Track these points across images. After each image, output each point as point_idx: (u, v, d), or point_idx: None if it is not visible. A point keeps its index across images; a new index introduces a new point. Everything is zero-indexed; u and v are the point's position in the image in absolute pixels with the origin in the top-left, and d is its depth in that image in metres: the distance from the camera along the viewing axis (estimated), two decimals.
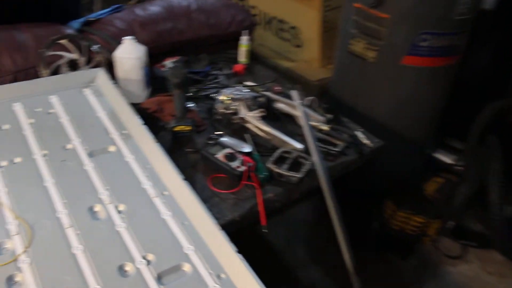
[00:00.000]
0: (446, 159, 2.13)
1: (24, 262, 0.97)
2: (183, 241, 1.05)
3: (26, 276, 0.94)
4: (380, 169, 2.01)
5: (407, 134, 1.93)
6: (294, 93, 1.33)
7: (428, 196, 1.95)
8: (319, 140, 1.44)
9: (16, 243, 1.01)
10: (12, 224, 1.05)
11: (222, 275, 0.98)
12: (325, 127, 1.46)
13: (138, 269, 0.98)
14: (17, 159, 1.24)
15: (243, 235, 1.16)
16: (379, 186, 2.04)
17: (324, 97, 2.21)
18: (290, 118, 1.55)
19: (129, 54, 1.51)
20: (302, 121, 1.31)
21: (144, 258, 1.00)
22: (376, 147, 1.51)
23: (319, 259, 1.98)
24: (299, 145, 1.38)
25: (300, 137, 1.45)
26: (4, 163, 1.22)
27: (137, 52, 1.52)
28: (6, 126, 1.35)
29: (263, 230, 1.18)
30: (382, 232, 1.93)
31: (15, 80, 1.58)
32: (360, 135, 1.53)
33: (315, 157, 1.30)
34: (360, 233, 1.96)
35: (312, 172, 1.32)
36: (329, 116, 1.55)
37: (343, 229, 1.32)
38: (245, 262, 0.97)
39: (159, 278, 0.96)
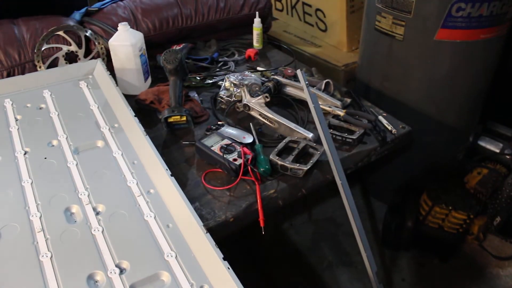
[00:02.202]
0: (491, 147, 1.88)
1: None
2: (164, 246, 0.91)
3: None
4: (414, 159, 1.81)
5: (444, 120, 1.71)
6: (299, 73, 1.16)
7: (470, 190, 1.71)
8: (333, 127, 1.27)
9: None
10: None
11: (205, 286, 0.84)
12: (341, 113, 1.29)
13: (110, 279, 0.85)
14: None
15: (266, 232, 1.01)
16: (413, 179, 1.83)
17: (351, 83, 2.04)
18: (304, 104, 1.38)
19: (123, 41, 1.39)
20: (310, 104, 1.14)
21: (117, 266, 0.87)
22: (402, 134, 1.32)
23: (346, 261, 1.80)
24: (308, 134, 1.21)
25: (313, 126, 1.28)
26: None
27: (132, 38, 1.40)
28: None
29: (262, 233, 1.02)
30: (418, 230, 1.72)
31: (11, 75, 1.51)
32: (383, 120, 1.34)
33: (326, 146, 1.12)
34: (393, 231, 1.77)
35: (323, 164, 1.16)
36: (347, 100, 1.38)
37: (361, 229, 1.14)
38: (231, 271, 0.82)
39: None
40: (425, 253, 1.82)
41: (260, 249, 1.84)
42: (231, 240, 0.96)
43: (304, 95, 1.32)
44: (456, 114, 1.73)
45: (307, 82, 1.24)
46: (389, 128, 1.32)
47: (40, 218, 0.98)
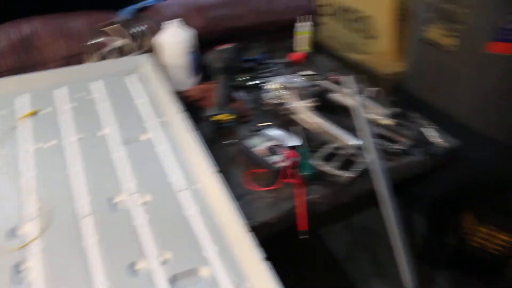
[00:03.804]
0: None
1: (34, 249, 0.90)
2: (205, 242, 0.92)
3: (33, 264, 0.87)
4: (458, 174, 1.76)
5: (491, 134, 1.65)
6: (348, 80, 1.15)
7: None
8: (379, 136, 1.25)
9: (30, 229, 0.94)
10: (30, 209, 0.99)
11: (244, 285, 0.84)
12: (387, 122, 1.27)
13: (149, 269, 0.86)
14: (51, 143, 1.19)
15: (303, 239, 1.01)
16: (457, 195, 1.78)
17: (397, 92, 2.00)
18: (349, 110, 1.37)
19: (174, 38, 1.41)
20: (356, 111, 1.13)
21: (159, 257, 0.88)
22: (450, 148, 1.29)
23: (382, 273, 1.77)
24: (353, 141, 1.19)
25: (357, 133, 1.27)
26: (37, 146, 1.17)
27: (183, 35, 1.42)
28: (47, 110, 1.31)
29: (301, 237, 1.01)
30: (459, 249, 1.67)
31: (66, 65, 1.56)
32: (431, 132, 1.31)
33: (371, 155, 1.11)
34: (433, 248, 1.72)
35: (367, 173, 1.14)
36: (395, 109, 1.35)
37: (402, 242, 1.12)
38: (272, 272, 0.82)
39: (171, 281, 0.84)
40: (465, 273, 1.76)
41: (295, 252, 1.83)
42: (268, 239, 0.96)
43: (351, 102, 1.31)
44: (504, 128, 1.68)
45: (355, 89, 1.24)
46: (437, 141, 1.29)
47: (87, 203, 1.00)
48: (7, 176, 1.08)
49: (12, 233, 0.94)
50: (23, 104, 1.34)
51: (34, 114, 1.29)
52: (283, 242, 1.74)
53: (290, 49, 1.80)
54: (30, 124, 1.26)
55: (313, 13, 1.87)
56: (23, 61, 1.53)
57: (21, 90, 1.39)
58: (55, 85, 1.41)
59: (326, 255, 1.86)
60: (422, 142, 1.28)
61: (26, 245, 0.91)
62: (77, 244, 0.91)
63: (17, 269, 0.87)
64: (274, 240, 0.97)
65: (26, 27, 1.56)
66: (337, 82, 1.45)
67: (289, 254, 1.79)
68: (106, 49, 1.58)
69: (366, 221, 2.00)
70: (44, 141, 1.19)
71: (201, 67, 1.60)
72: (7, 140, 1.20)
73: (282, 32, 1.89)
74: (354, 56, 2.22)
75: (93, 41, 1.56)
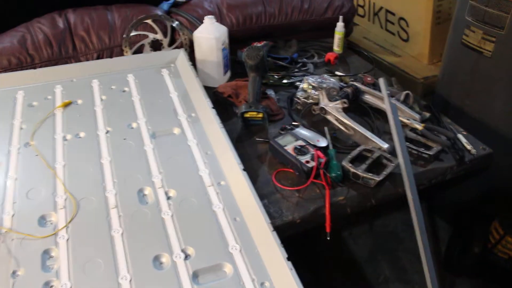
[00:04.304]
0: None
1: (62, 237, 0.92)
2: (230, 238, 0.92)
3: (61, 252, 0.89)
4: (488, 183, 1.71)
5: None
6: (381, 82, 1.13)
7: None
8: (409, 140, 1.22)
9: (60, 217, 0.96)
10: (61, 198, 1.01)
11: (266, 283, 0.83)
12: (419, 126, 1.24)
13: (174, 263, 0.87)
14: (82, 134, 1.22)
15: (325, 240, 1.00)
16: (485, 203, 1.74)
17: (429, 96, 1.96)
18: (381, 113, 1.35)
19: (207, 34, 1.42)
20: (388, 115, 1.11)
21: (183, 251, 0.89)
22: (481, 155, 1.25)
23: (403, 278, 1.74)
24: (384, 144, 1.18)
25: (388, 136, 1.25)
26: (70, 137, 1.20)
27: (216, 32, 1.42)
28: (80, 101, 1.35)
29: (327, 238, 1.00)
30: (485, 259, 1.63)
31: (100, 57, 1.59)
32: (463, 139, 1.28)
33: (401, 159, 1.09)
34: (457, 256, 1.68)
35: (395, 177, 1.12)
36: (426, 114, 1.33)
37: (427, 248, 1.09)
38: (294, 272, 0.81)
39: (195, 276, 0.85)
40: (489, 282, 1.71)
41: (316, 252, 1.81)
42: (289, 238, 0.96)
43: (383, 104, 1.29)
44: None
45: (388, 92, 1.22)
46: (469, 147, 1.26)
47: (115, 195, 1.02)
48: (42, 163, 1.11)
49: (44, 220, 0.97)
50: (59, 94, 1.37)
51: (68, 104, 1.32)
52: (303, 242, 1.73)
53: (324, 49, 1.78)
54: (65, 114, 1.29)
55: (348, 14, 1.84)
56: (59, 53, 1.56)
57: (57, 80, 1.42)
58: (90, 77, 1.44)
59: (347, 257, 1.85)
60: (452, 148, 1.24)
61: (56, 233, 0.93)
62: (105, 234, 0.92)
63: (46, 255, 0.89)
64: (295, 240, 0.97)
65: (63, 20, 1.60)
66: (369, 84, 1.43)
67: (309, 254, 1.78)
68: (140, 43, 1.60)
69: (389, 225, 1.97)
70: (77, 131, 1.22)
71: (233, 64, 1.60)
72: (45, 127, 1.24)
73: (316, 31, 1.88)
74: (388, 58, 2.19)
75: (128, 35, 1.58)
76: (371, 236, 1.95)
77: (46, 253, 0.89)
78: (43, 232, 0.93)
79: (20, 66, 1.51)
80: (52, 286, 0.83)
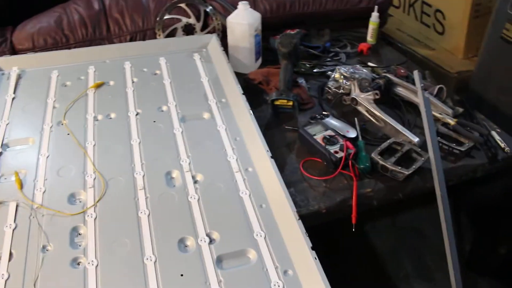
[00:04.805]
0: None
1: (91, 216, 0.93)
2: (255, 225, 0.92)
3: (89, 230, 0.91)
4: None
5: None
6: (416, 75, 1.10)
7: None
8: (441, 135, 1.19)
9: (89, 196, 0.98)
10: (90, 177, 1.03)
11: (289, 272, 0.83)
12: (451, 121, 1.21)
13: (199, 246, 0.87)
14: (113, 115, 1.23)
15: (347, 232, 0.99)
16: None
17: (463, 91, 1.91)
18: (412, 106, 1.32)
19: (241, 20, 1.41)
20: (421, 108, 1.09)
21: (208, 235, 0.89)
22: None
23: (425, 276, 1.71)
24: (414, 138, 1.15)
25: (419, 130, 1.22)
26: (101, 117, 1.22)
27: (249, 18, 1.41)
28: (112, 83, 1.36)
29: (352, 229, 0.99)
30: (509, 259, 1.58)
31: (133, 39, 1.60)
32: (496, 136, 1.24)
33: (432, 154, 1.06)
34: (483, 256, 1.65)
35: (425, 172, 1.10)
36: (459, 109, 1.29)
37: (454, 246, 1.07)
38: (317, 262, 0.81)
39: (219, 261, 0.85)
40: None
41: (339, 243, 1.80)
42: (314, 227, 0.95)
43: (416, 98, 1.26)
44: None
45: (422, 85, 1.19)
46: (502, 145, 1.22)
47: (143, 177, 1.03)
48: (74, 142, 1.13)
49: (73, 198, 0.99)
50: (92, 75, 1.39)
51: (100, 85, 1.34)
52: (326, 233, 1.72)
53: (357, 39, 1.75)
54: (97, 95, 1.30)
55: (384, 4, 1.80)
56: (93, 34, 1.58)
57: (90, 61, 1.44)
58: (123, 59, 1.45)
59: (369, 251, 1.83)
60: (485, 145, 1.21)
61: (85, 211, 0.94)
62: (132, 215, 0.94)
63: (75, 232, 0.91)
64: (319, 230, 0.96)
65: (98, 1, 1.61)
66: (402, 76, 1.40)
67: (331, 245, 1.77)
68: (173, 27, 1.60)
69: (414, 221, 1.94)
70: (108, 112, 1.24)
71: (265, 51, 1.59)
72: (77, 107, 1.26)
73: (350, 20, 1.85)
74: (421, 51, 2.14)
75: (161, 18, 1.58)
76: (394, 231, 1.92)
77: (74, 230, 0.91)
78: (72, 209, 0.95)
79: (56, 46, 1.54)
80: (79, 262, 0.85)
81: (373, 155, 1.10)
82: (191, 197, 0.97)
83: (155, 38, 1.60)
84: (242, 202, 0.97)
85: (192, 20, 1.61)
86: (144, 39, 1.59)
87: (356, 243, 1.84)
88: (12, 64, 1.40)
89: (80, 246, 0.88)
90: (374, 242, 1.85)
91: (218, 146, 1.12)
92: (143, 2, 1.61)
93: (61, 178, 1.03)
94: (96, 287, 0.80)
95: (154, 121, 1.20)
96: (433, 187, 1.07)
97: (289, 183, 1.04)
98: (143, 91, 1.32)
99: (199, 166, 1.06)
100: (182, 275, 0.83)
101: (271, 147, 1.06)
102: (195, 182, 1.02)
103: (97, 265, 0.84)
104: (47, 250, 0.87)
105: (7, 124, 1.19)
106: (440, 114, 1.26)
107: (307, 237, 0.85)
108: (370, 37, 1.74)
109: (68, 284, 0.81)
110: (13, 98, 1.28)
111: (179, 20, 1.61)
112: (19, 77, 1.37)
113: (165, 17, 1.59)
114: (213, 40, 1.50)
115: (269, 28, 1.65)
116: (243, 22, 1.41)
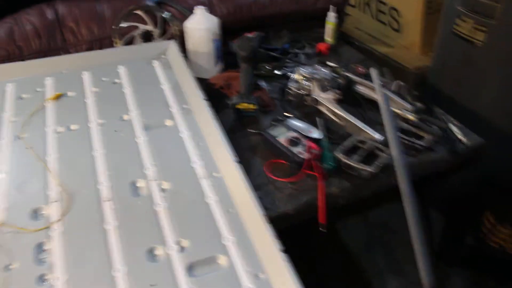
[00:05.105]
0: None
1: (56, 231, 0.91)
2: (223, 230, 0.92)
3: (55, 246, 0.88)
4: (479, 172, 1.73)
5: None
6: (373, 72, 1.13)
7: None
8: (402, 131, 1.23)
9: (52, 211, 0.96)
10: (53, 191, 1.00)
11: (261, 275, 0.84)
12: (411, 117, 1.24)
13: (168, 255, 0.86)
14: (74, 126, 1.20)
15: (318, 231, 1.00)
16: (477, 194, 1.75)
17: (421, 87, 1.97)
18: (373, 104, 1.35)
19: (199, 25, 1.41)
20: (381, 105, 1.11)
21: (177, 243, 0.89)
22: (474, 145, 1.26)
23: (399, 271, 1.75)
24: (377, 135, 1.18)
25: (381, 127, 1.25)
26: (61, 129, 1.19)
27: (208, 23, 1.41)
28: (71, 93, 1.33)
29: (320, 229, 1.00)
30: (477, 249, 1.64)
31: (90, 49, 1.57)
32: (455, 129, 1.29)
33: (394, 150, 1.09)
34: (451, 247, 1.70)
35: (389, 168, 1.12)
36: (419, 104, 1.33)
37: (421, 239, 1.10)
38: (289, 264, 0.81)
39: (189, 269, 0.84)
40: (482, 273, 1.73)
41: (309, 244, 1.82)
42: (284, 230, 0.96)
43: (376, 95, 1.29)
44: None
45: (380, 82, 1.22)
46: (461, 138, 1.27)
47: (107, 188, 1.01)
48: (33, 156, 1.10)
49: (36, 213, 0.96)
50: (49, 86, 1.35)
51: (59, 97, 1.31)
52: (297, 234, 1.74)
53: (316, 39, 1.77)
54: (56, 107, 1.27)
55: (340, 3, 1.84)
56: (48, 44, 1.55)
57: (47, 73, 1.40)
58: (81, 69, 1.43)
59: (341, 249, 1.86)
60: (445, 139, 1.25)
61: (49, 226, 0.92)
62: (98, 228, 0.92)
63: (39, 249, 0.88)
64: (289, 232, 0.97)
65: (52, 11, 1.58)
66: (362, 75, 1.43)
67: (303, 246, 1.79)
68: (131, 34, 1.59)
69: (383, 216, 1.99)
70: (69, 123, 1.21)
71: (225, 55, 1.59)
72: (36, 120, 1.22)
73: (308, 21, 1.87)
74: (379, 49, 2.19)
75: (118, 26, 1.56)
76: (364, 228, 1.96)
77: (39, 247, 0.88)
78: (36, 225, 0.92)
79: (8, 58, 1.49)
80: (46, 279, 0.83)
81: (337, 154, 1.12)
82: (157, 206, 0.96)
83: (112, 46, 1.58)
84: (209, 207, 0.97)
85: (149, 27, 1.60)
86: (101, 48, 1.56)
87: (328, 243, 1.86)
88: None
89: (45, 262, 0.86)
90: (346, 240, 1.88)
91: (182, 152, 1.12)
92: (98, 10, 1.59)
93: (22, 194, 1.00)
94: None
95: (116, 131, 1.18)
96: (398, 183, 1.10)
97: (255, 186, 1.04)
98: (104, 100, 1.29)
99: (164, 174, 1.05)
100: (152, 285, 0.82)
101: (235, 151, 1.07)
102: (162, 190, 1.01)
103: (65, 280, 0.82)
104: (10, 269, 0.84)
105: None
106: (400, 110, 1.29)
107: (277, 240, 0.86)
108: (328, 37, 1.77)
109: None
110: None
111: (136, 28, 1.59)
112: None
113: (122, 25, 1.57)
114: (172, 46, 1.49)
115: (228, 32, 1.66)
116: (200, 27, 1.41)
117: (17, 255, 0.86)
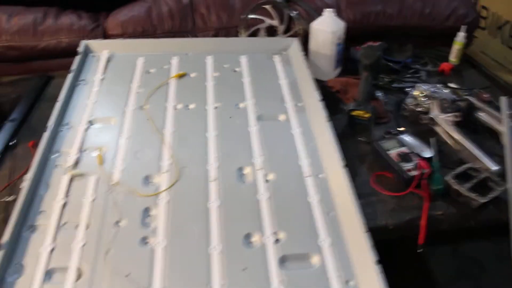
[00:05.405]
0: None
1: (163, 199, 0.97)
2: (321, 231, 0.92)
3: (160, 213, 0.94)
4: None
5: None
6: (503, 101, 1.06)
7: None
8: None
9: (162, 180, 1.02)
10: (165, 162, 1.07)
11: (351, 282, 0.83)
12: None
13: (263, 244, 0.88)
14: (192, 106, 1.27)
15: (404, 252, 0.98)
16: None
17: None
18: (492, 133, 1.27)
19: (325, 27, 1.41)
20: (505, 137, 1.04)
21: (274, 234, 0.90)
22: None
23: None
24: (493, 166, 1.11)
25: (498, 158, 1.17)
26: (180, 106, 1.26)
27: (334, 26, 1.41)
28: (193, 75, 1.40)
29: (418, 251, 0.97)
30: None
31: (216, 35, 1.64)
32: None
33: (510, 184, 1.02)
34: None
35: (500, 202, 1.05)
36: None
37: None
38: (383, 277, 0.80)
39: (282, 260, 0.86)
40: None
41: (396, 261, 1.76)
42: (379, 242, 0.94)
43: (499, 125, 1.22)
44: None
45: (505, 112, 1.14)
46: None
47: (215, 168, 1.05)
48: (152, 127, 1.18)
49: (147, 180, 1.03)
50: (175, 65, 1.44)
51: (182, 76, 1.38)
52: (386, 247, 1.69)
53: (439, 58, 1.70)
54: (178, 85, 1.35)
55: (471, 24, 1.75)
56: (179, 26, 1.64)
57: (174, 52, 1.49)
58: (205, 53, 1.50)
59: (426, 274, 1.77)
60: None
61: (157, 194, 0.98)
62: (202, 204, 0.96)
63: (146, 213, 0.95)
64: (379, 245, 0.95)
65: None
66: (485, 101, 1.35)
67: (385, 261, 1.73)
68: (256, 27, 1.63)
69: (475, 251, 1.86)
70: (187, 102, 1.28)
71: (344, 61, 1.59)
72: (158, 94, 1.31)
73: (432, 38, 1.81)
74: (504, 77, 2.05)
75: (245, 17, 1.62)
76: (453, 258, 1.86)
77: (146, 211, 0.95)
78: (146, 190, 0.99)
79: (143, 34, 1.61)
80: (147, 242, 0.89)
81: (447, 178, 1.07)
82: (260, 195, 0.99)
83: (237, 36, 1.64)
84: (310, 206, 0.97)
85: (275, 22, 1.64)
86: (227, 36, 1.63)
87: (414, 264, 1.79)
88: (103, 48, 1.48)
89: (150, 226, 0.92)
90: (432, 267, 1.79)
91: (291, 148, 1.13)
92: (230, 0, 1.65)
93: (138, 160, 1.08)
94: (162, 267, 0.83)
95: (230, 117, 1.22)
96: (508, 220, 1.03)
97: (358, 194, 1.03)
98: (223, 86, 1.35)
99: (270, 165, 1.07)
100: (244, 269, 0.84)
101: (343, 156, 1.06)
102: (266, 180, 1.03)
103: (164, 246, 0.87)
104: (119, 225, 0.91)
105: (93, 103, 1.26)
106: None
107: (373, 251, 0.84)
108: (453, 57, 1.69)
109: (135, 261, 0.85)
110: (102, 79, 1.36)
111: (262, 21, 1.64)
112: (108, 60, 1.44)
113: (250, 17, 1.62)
114: (295, 44, 1.51)
115: (350, 38, 1.65)
116: (327, 30, 1.41)
117: (126, 214, 0.94)
